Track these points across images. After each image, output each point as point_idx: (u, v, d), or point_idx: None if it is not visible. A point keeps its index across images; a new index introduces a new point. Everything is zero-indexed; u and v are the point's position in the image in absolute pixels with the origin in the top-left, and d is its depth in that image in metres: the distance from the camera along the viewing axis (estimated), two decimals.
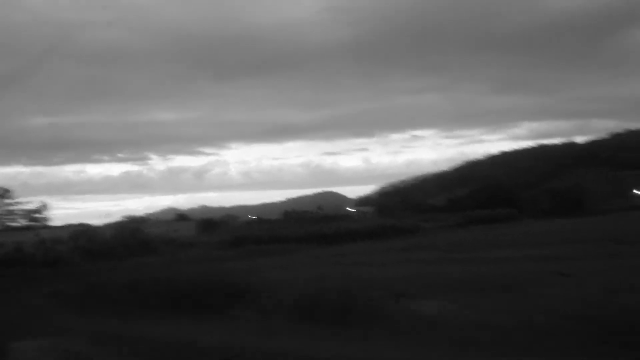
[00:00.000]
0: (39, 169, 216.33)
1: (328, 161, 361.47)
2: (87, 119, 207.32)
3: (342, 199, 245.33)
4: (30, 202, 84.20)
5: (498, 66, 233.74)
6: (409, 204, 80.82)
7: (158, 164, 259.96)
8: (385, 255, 29.85)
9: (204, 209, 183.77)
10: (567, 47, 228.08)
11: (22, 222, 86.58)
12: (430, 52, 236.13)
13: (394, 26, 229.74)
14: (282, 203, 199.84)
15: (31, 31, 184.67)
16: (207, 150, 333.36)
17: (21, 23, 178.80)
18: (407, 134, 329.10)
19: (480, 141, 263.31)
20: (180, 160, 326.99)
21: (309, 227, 48.89)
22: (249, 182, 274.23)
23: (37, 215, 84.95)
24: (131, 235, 46.47)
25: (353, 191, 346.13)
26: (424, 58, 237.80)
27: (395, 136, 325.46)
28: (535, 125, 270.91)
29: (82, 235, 45.03)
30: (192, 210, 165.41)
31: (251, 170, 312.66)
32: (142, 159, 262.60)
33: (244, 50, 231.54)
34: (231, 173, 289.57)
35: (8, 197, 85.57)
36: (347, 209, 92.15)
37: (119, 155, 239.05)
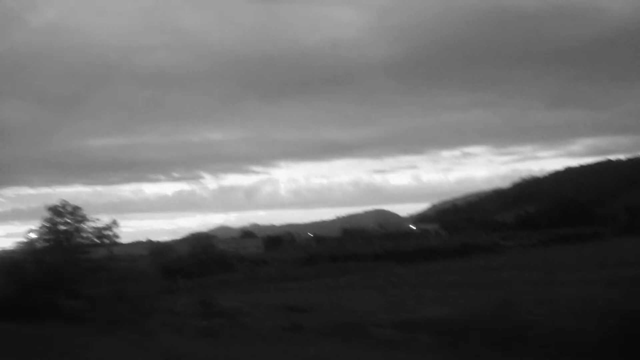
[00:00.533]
0: (98, 188, 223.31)
1: (377, 179, 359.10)
2: (143, 140, 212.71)
3: (394, 217, 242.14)
4: (98, 219, 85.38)
5: (552, 80, 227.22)
6: (474, 221, 78.52)
7: (210, 182, 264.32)
8: (481, 274, 28.37)
9: (255, 227, 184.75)
10: (623, 60, 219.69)
11: (92, 240, 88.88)
12: (481, 67, 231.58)
13: (442, 42, 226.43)
14: (332, 221, 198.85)
15: (90, 56, 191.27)
16: (257, 168, 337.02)
17: (80, 48, 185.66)
18: (458, 151, 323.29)
19: (534, 158, 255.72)
20: (232, 179, 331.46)
21: (378, 245, 47.76)
22: (298, 200, 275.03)
23: (107, 232, 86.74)
24: (205, 252, 46.50)
25: (404, 209, 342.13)
26: (474, 73, 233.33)
27: (446, 153, 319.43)
28: (592, 141, 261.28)
29: (160, 252, 45.29)
30: (245, 228, 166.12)
31: (300, 188, 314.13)
32: (195, 178, 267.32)
33: (292, 70, 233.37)
34: (280, 191, 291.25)
35: (78, 215, 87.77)
36: (410, 226, 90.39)
37: (174, 174, 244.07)
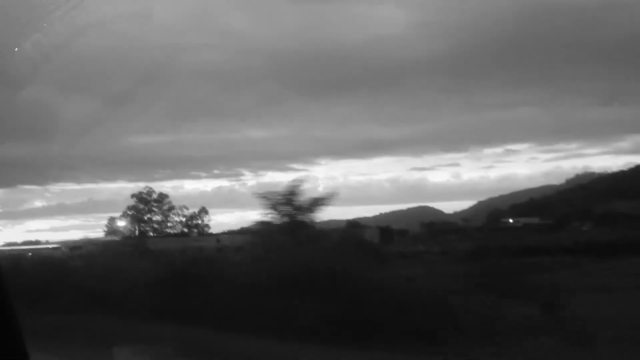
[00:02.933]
0: (140, 184, 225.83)
1: (416, 176, 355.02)
2: (187, 137, 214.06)
3: (438, 214, 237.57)
4: (185, 208, 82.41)
5: (599, 78, 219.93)
6: (581, 213, 74.26)
7: (250, 180, 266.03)
8: None
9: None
10: None
11: (180, 229, 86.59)
12: (529, 64, 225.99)
13: (489, 38, 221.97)
14: (374, 217, 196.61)
15: (135, 55, 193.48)
16: (297, 166, 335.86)
17: (129, 47, 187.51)
18: (501, 149, 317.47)
19: (580, 155, 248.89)
20: (271, 177, 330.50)
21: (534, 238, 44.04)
22: (336, 197, 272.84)
23: (195, 222, 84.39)
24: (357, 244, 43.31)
25: (447, 206, 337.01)
26: (519, 70, 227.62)
27: (488, 151, 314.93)
28: None
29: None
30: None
31: (338, 185, 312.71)
32: (236, 175, 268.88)
33: (333, 68, 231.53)
34: (319, 189, 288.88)
35: (165, 203, 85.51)
36: (510, 220, 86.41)
37: (215, 171, 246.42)
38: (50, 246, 76.28)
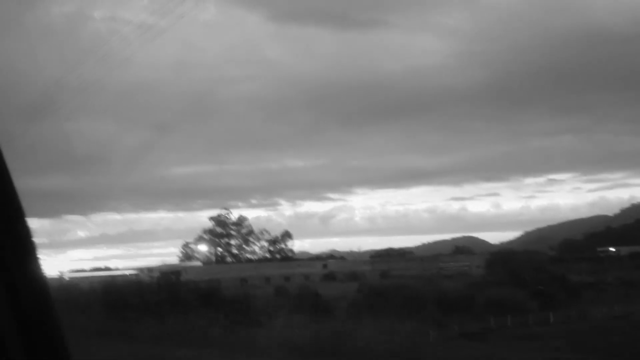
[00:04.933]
0: (180, 214, 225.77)
1: (454, 206, 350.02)
2: (226, 167, 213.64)
3: (484, 244, 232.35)
4: (266, 232, 79.08)
5: None
6: None
7: (287, 209, 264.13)
8: None
9: (336, 252, 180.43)
10: None
11: (262, 253, 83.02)
12: (570, 92, 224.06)
13: (529, 67, 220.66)
14: (416, 247, 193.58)
15: (179, 88, 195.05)
16: (334, 196, 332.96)
17: (170, 80, 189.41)
18: (543, 178, 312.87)
19: (625, 185, 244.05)
20: (308, 206, 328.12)
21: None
22: (373, 227, 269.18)
23: (279, 245, 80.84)
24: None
25: (492, 237, 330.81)
26: (561, 98, 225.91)
27: (529, 180, 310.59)
28: None
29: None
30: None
31: (375, 215, 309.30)
32: (273, 205, 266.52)
33: (372, 97, 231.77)
34: (356, 218, 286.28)
35: (245, 227, 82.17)
36: (610, 249, 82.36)
37: (252, 201, 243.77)
38: (127, 272, 73.53)
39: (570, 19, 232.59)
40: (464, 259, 68.86)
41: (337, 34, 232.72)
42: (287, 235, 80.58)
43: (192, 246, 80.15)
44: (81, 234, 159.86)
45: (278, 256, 77.61)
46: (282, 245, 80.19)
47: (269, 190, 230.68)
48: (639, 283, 42.56)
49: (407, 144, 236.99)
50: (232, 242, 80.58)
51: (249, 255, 79.74)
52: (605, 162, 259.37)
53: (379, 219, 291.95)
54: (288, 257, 76.68)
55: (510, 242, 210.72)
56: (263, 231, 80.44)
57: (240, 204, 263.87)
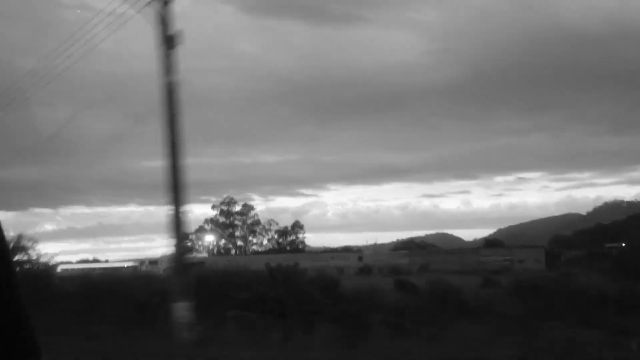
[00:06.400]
0: (150, 208, 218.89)
1: (425, 203, 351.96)
2: (197, 161, 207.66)
3: (457, 241, 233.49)
4: (274, 222, 74.99)
5: (613, 105, 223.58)
6: None
7: (259, 204, 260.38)
8: None
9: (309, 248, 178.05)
10: None
11: (270, 245, 78.77)
12: (540, 91, 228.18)
13: (498, 66, 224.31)
14: (391, 244, 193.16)
15: (145, 78, 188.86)
16: (306, 191, 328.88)
17: (141, 71, 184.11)
18: (512, 177, 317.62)
19: (592, 185, 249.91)
20: (280, 201, 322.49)
21: None
22: (345, 223, 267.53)
23: (290, 237, 76.77)
24: None
25: (466, 234, 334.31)
26: (531, 97, 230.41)
27: (499, 178, 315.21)
28: None
29: None
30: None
31: (347, 211, 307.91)
32: (244, 200, 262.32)
33: (345, 93, 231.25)
34: (328, 214, 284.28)
35: (250, 217, 77.72)
36: (623, 244, 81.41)
37: (225, 195, 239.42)
38: (124, 264, 69.15)
39: (543, 18, 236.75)
40: (503, 252, 66.36)
41: (312, 29, 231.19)
42: (297, 226, 76.65)
43: (193, 237, 75.39)
44: (48, 227, 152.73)
45: (288, 248, 73.82)
46: (294, 237, 76.37)
47: (241, 184, 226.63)
48: None
49: (379, 140, 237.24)
50: (237, 233, 76.37)
51: (255, 247, 75.69)
52: (573, 162, 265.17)
53: (351, 215, 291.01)
54: (298, 249, 73.06)
55: (485, 239, 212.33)
56: (271, 221, 76.71)
57: (212, 198, 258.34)
